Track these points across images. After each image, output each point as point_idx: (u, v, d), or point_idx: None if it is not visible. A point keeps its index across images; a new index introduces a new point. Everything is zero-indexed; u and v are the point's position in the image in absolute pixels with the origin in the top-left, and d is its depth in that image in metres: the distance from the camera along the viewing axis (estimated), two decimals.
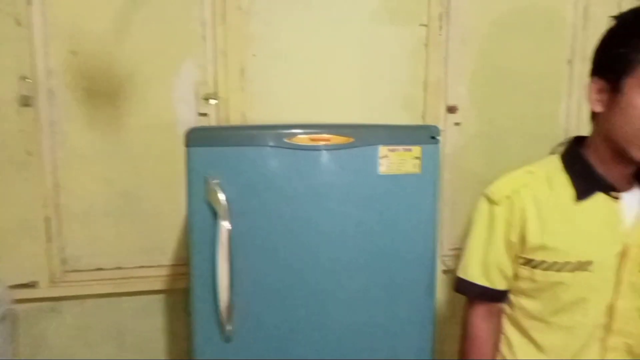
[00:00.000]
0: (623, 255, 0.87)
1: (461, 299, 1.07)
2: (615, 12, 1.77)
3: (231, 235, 1.00)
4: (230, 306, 1.01)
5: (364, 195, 1.03)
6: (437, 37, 1.69)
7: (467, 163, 1.79)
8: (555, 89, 1.83)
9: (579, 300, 0.89)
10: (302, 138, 1.00)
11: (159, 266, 1.60)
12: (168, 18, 1.51)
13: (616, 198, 0.88)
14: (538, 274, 0.92)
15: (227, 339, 1.04)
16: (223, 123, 1.58)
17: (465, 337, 1.02)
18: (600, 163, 0.89)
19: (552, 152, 1.78)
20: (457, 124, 1.75)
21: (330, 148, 1.00)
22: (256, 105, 1.61)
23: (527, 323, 0.96)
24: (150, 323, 1.61)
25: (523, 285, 0.95)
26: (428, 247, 1.08)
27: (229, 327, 1.02)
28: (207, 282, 1.03)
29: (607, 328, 0.89)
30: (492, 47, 1.75)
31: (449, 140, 1.73)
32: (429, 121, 1.72)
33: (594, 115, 0.91)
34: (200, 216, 1.01)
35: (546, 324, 0.93)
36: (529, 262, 0.93)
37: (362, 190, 1.03)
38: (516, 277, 0.96)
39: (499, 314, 1.01)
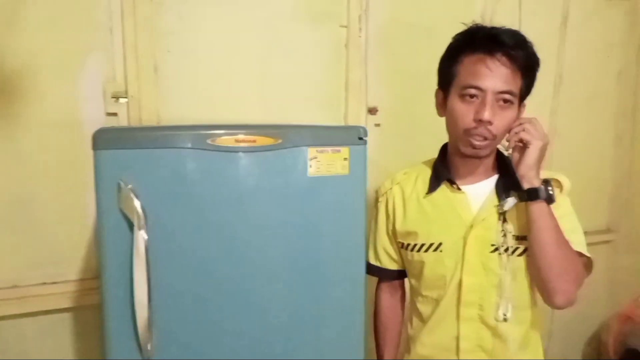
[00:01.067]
0: (465, 238, 1.00)
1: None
2: (516, 22, 1.92)
3: (148, 245, 0.91)
4: (150, 323, 0.92)
5: (292, 199, 1.00)
6: (357, 39, 1.71)
7: (387, 163, 1.83)
8: None
9: (438, 276, 1.04)
10: (226, 139, 0.94)
11: (64, 282, 1.44)
12: (69, 6, 1.36)
13: (459, 189, 1.04)
14: (409, 254, 1.09)
15: (148, 356, 0.95)
16: (135, 123, 1.46)
17: (375, 310, 1.23)
18: (451, 161, 1.07)
19: None
20: (377, 125, 1.78)
21: (256, 150, 0.95)
22: (171, 104, 1.51)
23: (414, 298, 1.13)
24: (56, 345, 1.45)
25: (407, 266, 1.14)
26: (358, 247, 1.08)
27: (149, 346, 0.93)
28: (123, 298, 0.93)
29: (459, 301, 1.02)
30: (407, 50, 1.81)
31: (369, 141, 1.76)
32: (351, 122, 1.73)
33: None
34: (113, 225, 0.92)
35: (422, 297, 1.10)
36: (403, 245, 1.11)
37: (290, 193, 0.99)
38: (401, 260, 1.15)
39: (399, 290, 1.22)
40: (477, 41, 0.95)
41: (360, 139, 1.03)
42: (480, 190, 1.04)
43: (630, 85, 2.26)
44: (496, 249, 1.00)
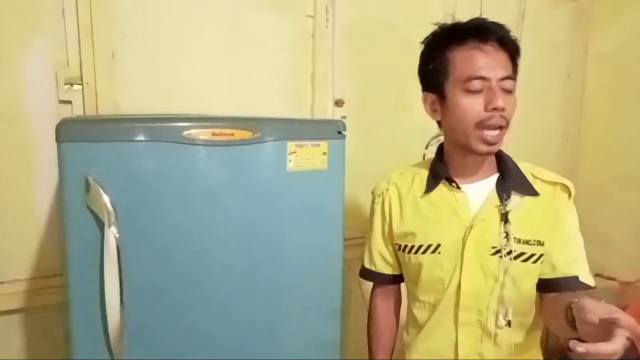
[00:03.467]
0: (464, 239, 0.97)
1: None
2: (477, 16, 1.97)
3: (119, 244, 0.86)
4: (122, 324, 0.87)
5: (271, 194, 0.97)
6: (324, 29, 1.69)
7: (352, 156, 1.83)
8: None
9: (436, 279, 1.00)
10: (202, 132, 0.90)
11: (11, 281, 1.33)
12: None
13: (458, 188, 1.00)
14: (406, 257, 1.05)
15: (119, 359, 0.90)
16: (91, 112, 1.37)
17: (368, 315, 1.19)
18: (450, 159, 1.02)
19: (426, 146, 1.93)
20: (343, 117, 1.77)
21: (234, 144, 0.92)
22: (130, 92, 1.43)
23: (411, 303, 1.09)
24: (3, 348, 1.34)
25: (404, 269, 1.10)
26: (336, 242, 1.06)
27: (120, 347, 0.88)
28: (91, 298, 0.87)
29: (457, 305, 0.98)
30: (373, 43, 1.81)
31: None
32: (317, 114, 1.72)
33: (439, 123, 1.03)
34: (80, 223, 0.85)
35: (419, 302, 1.05)
36: (400, 247, 1.07)
37: (269, 188, 0.96)
38: (399, 262, 1.11)
39: (394, 295, 1.17)
40: (464, 33, 0.93)
41: (339, 133, 1.01)
42: (480, 189, 1.00)
43: (577, 84, 2.39)
44: (497, 252, 0.95)
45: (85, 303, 0.88)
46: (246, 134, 0.92)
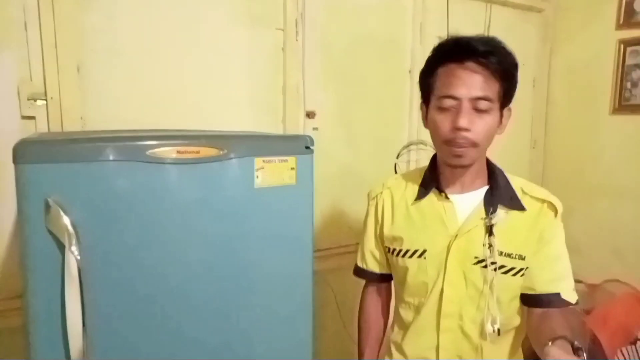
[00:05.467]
0: (449, 247, 1.00)
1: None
2: (444, 30, 2.00)
3: (81, 266, 0.83)
4: (85, 349, 0.84)
5: (239, 211, 0.96)
6: (294, 42, 1.70)
7: (325, 167, 1.84)
8: (399, 96, 2.00)
9: (420, 283, 1.04)
10: (167, 151, 0.88)
11: None
12: None
13: (447, 198, 1.03)
14: (394, 259, 1.09)
15: None
16: (56, 128, 1.34)
17: (359, 309, 1.24)
18: (440, 169, 1.05)
19: (397, 156, 1.96)
20: (315, 128, 1.78)
21: (199, 161, 0.90)
22: (96, 107, 1.41)
23: (398, 303, 1.13)
24: None
25: (393, 270, 1.14)
26: (306, 258, 1.06)
27: None
28: (52, 323, 0.84)
29: (439, 311, 1.01)
30: (344, 54, 1.83)
31: None
32: (289, 126, 1.72)
33: None
34: (40, 245, 0.82)
35: (405, 303, 1.09)
36: (389, 250, 1.10)
37: (237, 206, 0.95)
38: (389, 263, 1.14)
39: (384, 293, 1.21)
40: (448, 52, 0.95)
41: (307, 147, 1.01)
42: (468, 201, 1.02)
43: (543, 94, 2.45)
44: (479, 262, 0.99)
45: (46, 326, 0.84)
46: (212, 152, 0.91)
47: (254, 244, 0.99)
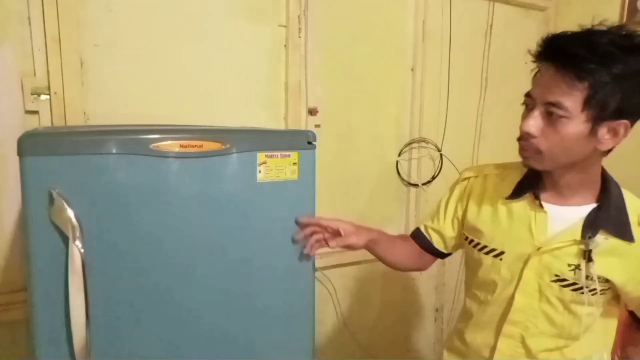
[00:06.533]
0: (529, 257, 0.95)
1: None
2: (446, 26, 2.00)
3: (84, 258, 0.84)
4: (88, 340, 0.85)
5: (241, 206, 0.96)
6: (297, 39, 1.70)
7: (326, 164, 1.84)
8: (400, 93, 2.00)
9: (490, 281, 1.01)
10: (170, 144, 0.89)
11: None
12: None
13: (541, 207, 0.95)
14: (470, 249, 1.06)
15: None
16: (59, 122, 1.35)
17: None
18: (544, 174, 0.95)
19: (399, 153, 1.94)
20: (317, 125, 1.78)
21: (202, 155, 0.91)
22: (99, 101, 1.41)
23: (467, 290, 1.12)
24: None
25: (466, 258, 1.11)
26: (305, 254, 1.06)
27: None
28: (57, 314, 0.85)
29: (504, 316, 0.99)
30: (346, 51, 1.83)
31: None
32: (291, 123, 1.72)
33: None
34: (44, 238, 0.83)
35: (472, 293, 1.08)
36: (467, 238, 1.08)
37: (239, 200, 0.96)
38: (449, 244, 1.14)
39: (421, 259, 1.18)
40: (542, 49, 0.87)
41: (310, 143, 1.02)
42: (566, 216, 0.93)
43: None
44: (559, 280, 0.94)
45: (50, 319, 0.85)
46: (215, 146, 0.92)
47: (255, 239, 0.99)
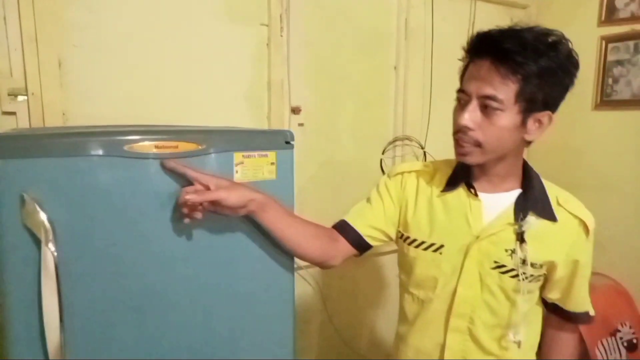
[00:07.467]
0: (468, 247, 0.97)
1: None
2: (429, 26, 2.01)
3: (58, 262, 0.83)
4: (62, 347, 0.84)
5: None
6: (279, 38, 1.70)
7: (310, 163, 1.84)
8: (384, 92, 2.00)
9: (430, 277, 1.01)
10: (145, 145, 0.88)
11: None
12: None
13: (476, 195, 0.98)
14: (405, 247, 1.05)
15: None
16: (37, 124, 1.33)
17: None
18: (475, 167, 0.98)
19: (383, 151, 1.96)
20: (300, 124, 1.78)
21: (178, 156, 0.90)
22: (78, 102, 1.40)
23: (402, 293, 1.10)
24: None
25: (400, 259, 1.10)
26: (286, 253, 1.06)
27: None
28: (29, 320, 0.84)
29: (449, 310, 1.00)
30: (329, 50, 1.83)
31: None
32: (274, 122, 1.72)
33: None
34: (15, 242, 0.82)
35: (409, 294, 1.07)
36: (402, 237, 1.07)
37: None
38: (382, 240, 1.09)
39: (339, 249, 1.07)
40: (473, 46, 0.91)
41: (287, 142, 1.01)
42: (498, 202, 0.98)
43: None
44: (498, 267, 0.96)
45: (24, 322, 0.84)
46: (191, 146, 0.91)
47: (234, 239, 0.98)
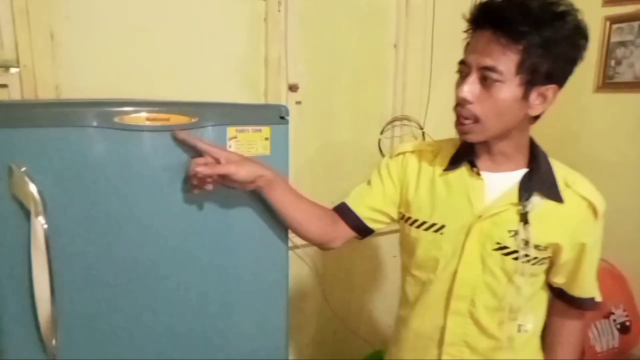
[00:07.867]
0: (470, 227, 0.94)
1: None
2: (430, 8, 1.97)
3: (48, 234, 0.82)
4: (54, 319, 0.84)
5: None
6: (277, 13, 1.66)
7: (307, 141, 1.82)
8: (383, 71, 1.97)
9: (431, 258, 0.99)
10: (135, 117, 0.86)
11: None
12: None
13: (478, 174, 0.96)
14: (407, 228, 1.03)
15: (52, 355, 0.87)
16: (30, 96, 1.31)
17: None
18: (478, 145, 0.96)
19: (382, 131, 1.93)
20: (298, 102, 1.76)
21: (169, 129, 0.89)
22: (71, 75, 1.38)
23: (404, 276, 1.08)
24: None
25: (401, 240, 1.08)
26: (280, 229, 1.05)
27: (53, 343, 0.85)
28: (20, 292, 0.84)
29: (450, 292, 0.98)
30: (327, 27, 1.79)
31: (290, 119, 1.73)
32: (271, 99, 1.70)
33: None
34: (5, 213, 0.81)
35: (411, 276, 1.05)
36: (403, 217, 1.05)
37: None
38: (379, 221, 1.07)
39: (333, 221, 1.07)
40: (474, 16, 0.87)
41: (282, 118, 0.99)
42: (501, 181, 0.95)
43: None
44: (501, 248, 0.93)
45: (13, 297, 0.84)
46: (183, 119, 0.90)
47: (226, 215, 0.98)
